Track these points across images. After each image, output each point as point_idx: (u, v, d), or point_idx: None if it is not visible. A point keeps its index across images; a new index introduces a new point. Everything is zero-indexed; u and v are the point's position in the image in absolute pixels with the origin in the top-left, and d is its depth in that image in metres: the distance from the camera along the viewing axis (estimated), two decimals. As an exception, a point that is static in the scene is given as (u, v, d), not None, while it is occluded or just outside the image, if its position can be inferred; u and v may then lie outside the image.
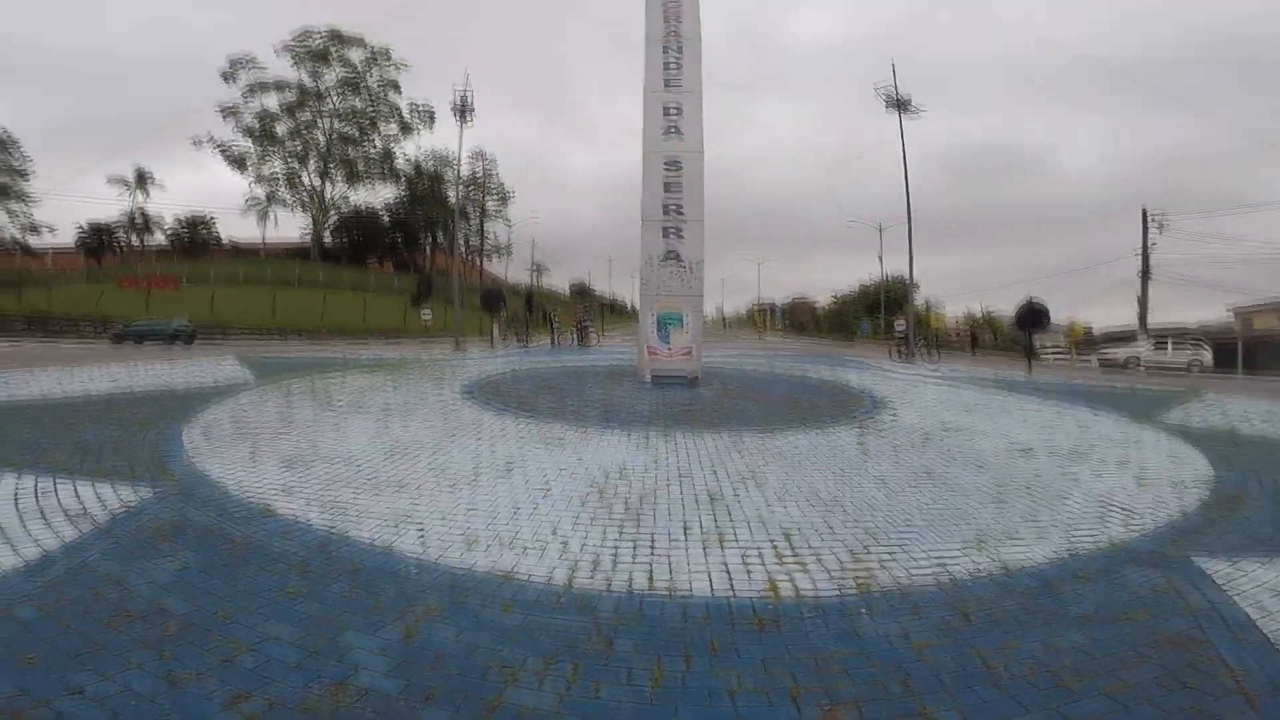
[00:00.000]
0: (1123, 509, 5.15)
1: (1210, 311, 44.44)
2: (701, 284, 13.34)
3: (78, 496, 4.71)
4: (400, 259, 70.48)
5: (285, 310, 39.88)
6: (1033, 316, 21.49)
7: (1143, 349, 31.33)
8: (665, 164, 13.36)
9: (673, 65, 13.94)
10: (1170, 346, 30.95)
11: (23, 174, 51.68)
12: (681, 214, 13.21)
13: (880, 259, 53.75)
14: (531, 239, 70.83)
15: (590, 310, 42.06)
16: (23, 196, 51.67)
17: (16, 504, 4.49)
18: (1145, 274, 36.42)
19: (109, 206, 61.78)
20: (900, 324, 31.79)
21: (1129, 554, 4.12)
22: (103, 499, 4.69)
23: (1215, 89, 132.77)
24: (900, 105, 27.71)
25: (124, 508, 4.55)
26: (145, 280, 39.28)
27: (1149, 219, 36.29)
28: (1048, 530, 4.54)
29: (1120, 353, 32.04)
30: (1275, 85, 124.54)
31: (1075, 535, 4.44)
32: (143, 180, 60.67)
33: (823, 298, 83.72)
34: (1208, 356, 29.88)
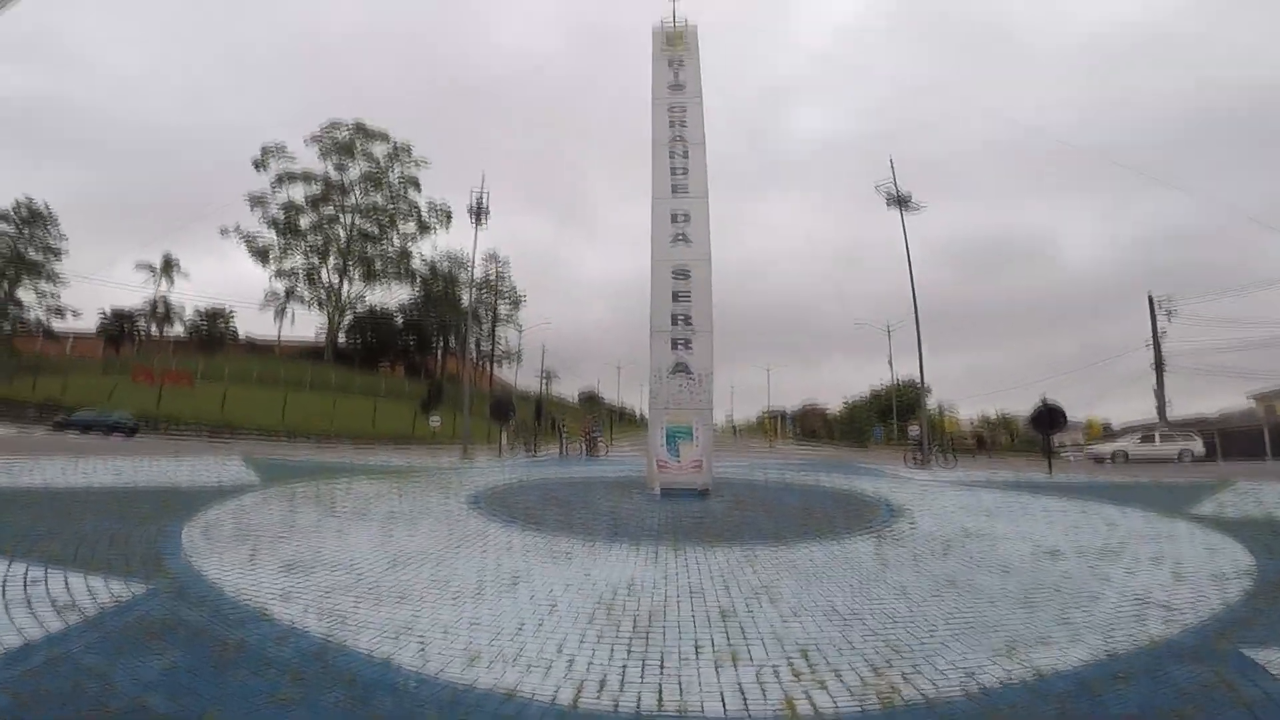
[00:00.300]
0: (1161, 605, 4.96)
1: (1231, 398, 45.73)
2: (711, 396, 13.26)
3: (68, 588, 4.62)
4: (412, 363, 71.16)
5: (296, 412, 40.08)
6: (1049, 417, 21.36)
7: (1128, 443, 31.63)
8: (673, 273, 13.53)
9: (679, 171, 14.39)
10: (1158, 439, 31.30)
11: (56, 253, 53.22)
12: (690, 325, 13.27)
13: (890, 363, 54.78)
14: (542, 345, 71.76)
15: (599, 420, 41.99)
16: (53, 277, 52.91)
17: (3, 592, 4.42)
18: (1159, 366, 37.07)
19: (133, 294, 62.79)
20: (914, 429, 31.63)
21: (1172, 650, 3.93)
22: (93, 591, 4.59)
23: (1206, 166, 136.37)
24: (901, 202, 27.92)
25: (115, 602, 4.45)
26: (160, 375, 39.69)
27: (1156, 305, 37.21)
28: (1082, 632, 4.34)
29: (1106, 448, 32.37)
30: (1264, 159, 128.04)
31: (1112, 635, 4.24)
32: (169, 267, 62.31)
33: (833, 403, 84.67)
34: (1198, 447, 30.08)
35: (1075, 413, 44.74)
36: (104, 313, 60.18)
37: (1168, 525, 8.80)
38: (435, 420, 39.33)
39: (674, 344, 13.22)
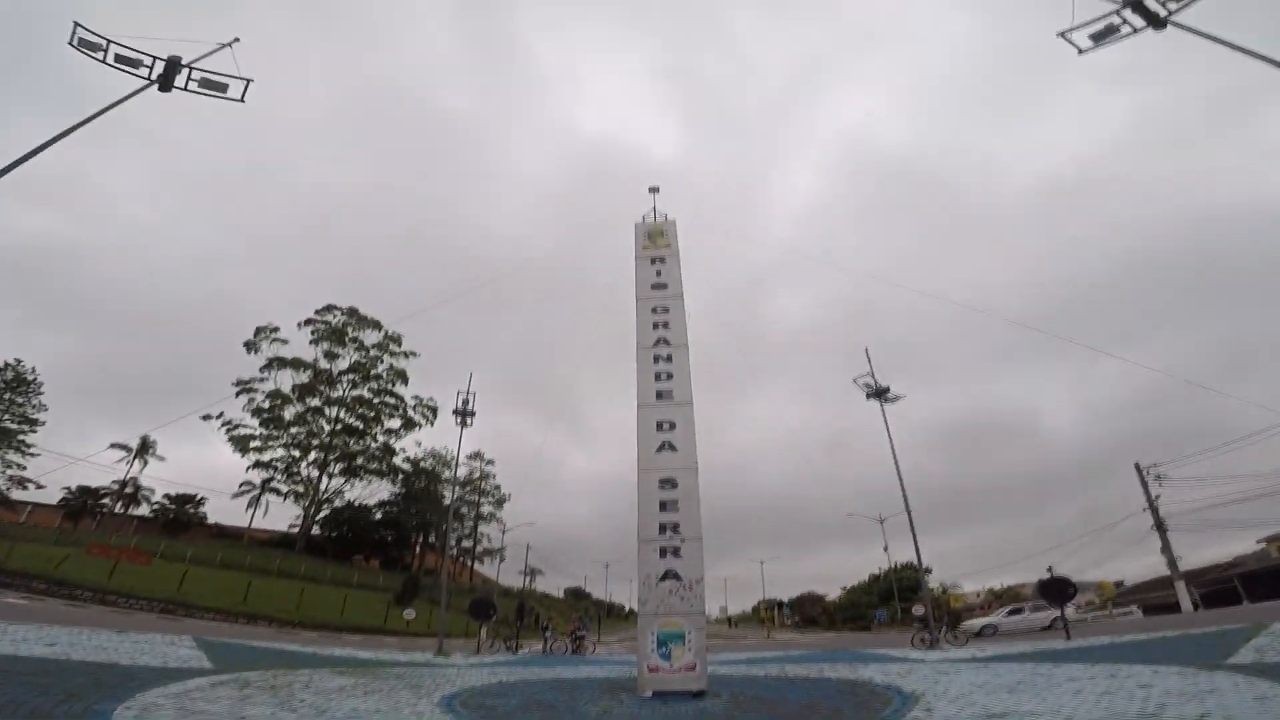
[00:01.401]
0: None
1: (1240, 545, 45.02)
2: (702, 600, 13.07)
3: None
4: (388, 556, 68.87)
5: (259, 597, 38.38)
6: (1057, 586, 22.03)
7: (997, 616, 32.62)
8: (660, 482, 13.73)
9: (664, 375, 14.85)
10: (1028, 610, 32.31)
11: (32, 424, 52.77)
12: (678, 533, 13.31)
13: (885, 549, 54.98)
14: (526, 544, 70.29)
15: (586, 619, 40.29)
16: (23, 448, 52.08)
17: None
18: (1160, 527, 38.23)
19: (104, 473, 61.03)
20: (918, 609, 31.66)
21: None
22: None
23: (1152, 312, 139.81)
24: (880, 395, 28.67)
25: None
26: (116, 551, 38.37)
27: (1145, 473, 39.02)
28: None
29: (977, 622, 33.26)
30: (1200, 296, 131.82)
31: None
32: (145, 449, 61.09)
33: (831, 590, 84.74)
34: (1071, 612, 30.65)
35: (1085, 575, 47.63)
36: (69, 489, 58.79)
37: (1207, 679, 8.34)
38: (409, 613, 37.45)
39: (662, 552, 13.18)
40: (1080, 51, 17.61)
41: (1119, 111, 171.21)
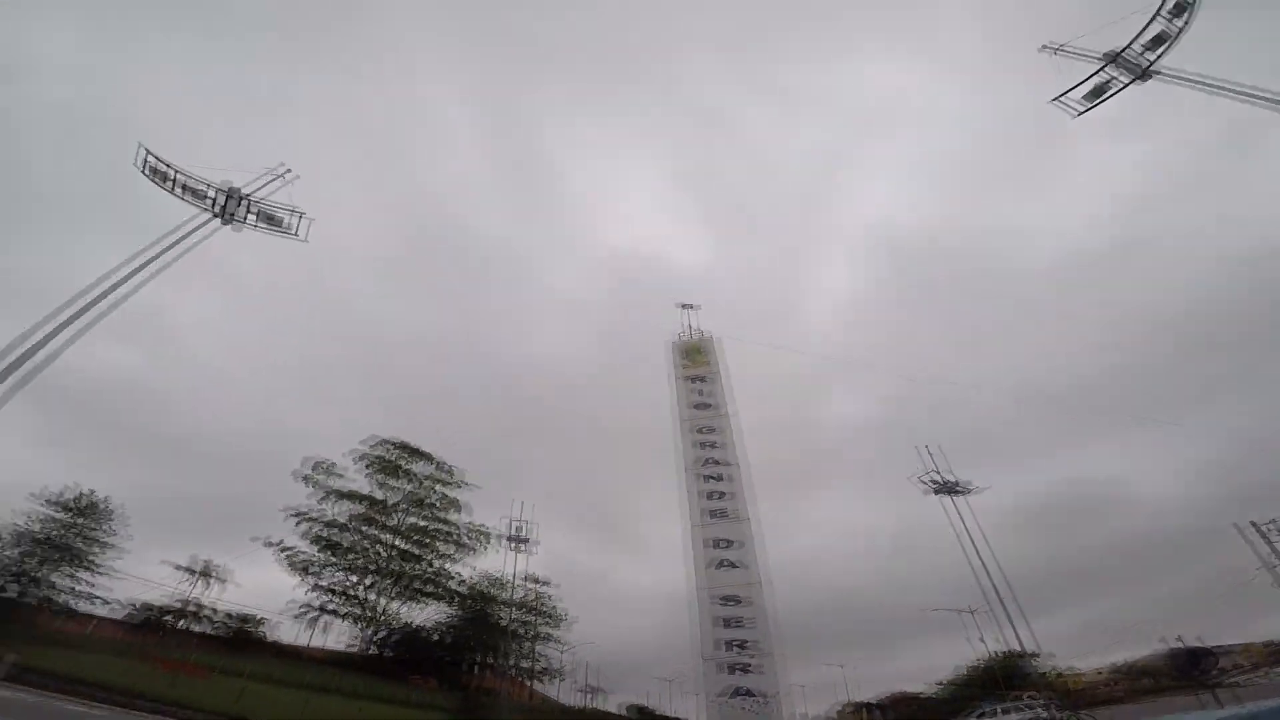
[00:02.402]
0: None
1: None
2: (780, 713, 12.33)
3: None
4: (446, 676, 67.71)
5: (317, 713, 38.45)
6: (1191, 659, 21.37)
7: None
8: (721, 599, 13.20)
9: (715, 495, 14.40)
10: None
11: (104, 546, 55.22)
12: (746, 649, 12.75)
13: (981, 639, 52.94)
14: (585, 662, 68.42)
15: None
16: (92, 567, 54.47)
17: None
18: None
19: (168, 591, 62.64)
20: (1031, 696, 30.43)
21: None
22: None
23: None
24: (949, 490, 27.72)
25: None
26: (174, 664, 39.35)
27: (1260, 529, 37.49)
28: None
29: None
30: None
31: None
32: (208, 573, 63.37)
33: (924, 687, 78.53)
34: None
35: (1226, 637, 44.84)
36: (134, 604, 60.38)
37: None
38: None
39: (730, 669, 12.64)
40: (1078, 114, 17.68)
41: (1128, 164, 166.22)
